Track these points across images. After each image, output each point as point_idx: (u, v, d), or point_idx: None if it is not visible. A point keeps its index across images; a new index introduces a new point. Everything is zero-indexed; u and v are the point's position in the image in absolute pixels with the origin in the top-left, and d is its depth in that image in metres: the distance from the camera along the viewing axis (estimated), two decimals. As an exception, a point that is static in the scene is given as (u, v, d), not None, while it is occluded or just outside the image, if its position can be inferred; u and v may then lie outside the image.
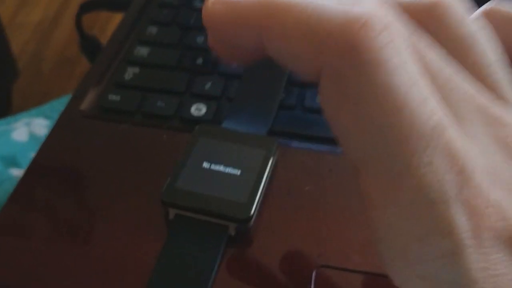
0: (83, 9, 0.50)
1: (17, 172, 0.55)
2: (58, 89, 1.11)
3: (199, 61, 0.42)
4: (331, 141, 0.35)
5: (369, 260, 0.29)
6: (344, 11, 0.17)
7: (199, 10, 0.46)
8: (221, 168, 0.31)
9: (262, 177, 0.31)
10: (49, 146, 0.36)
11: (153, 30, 0.44)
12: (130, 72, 0.40)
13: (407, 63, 0.16)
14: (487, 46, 0.19)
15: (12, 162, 0.57)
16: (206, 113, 0.38)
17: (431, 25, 0.19)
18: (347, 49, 0.16)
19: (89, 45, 0.53)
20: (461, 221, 0.16)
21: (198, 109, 0.38)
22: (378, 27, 0.16)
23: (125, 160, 0.35)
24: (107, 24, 1.17)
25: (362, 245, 0.30)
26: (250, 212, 0.29)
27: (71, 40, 1.26)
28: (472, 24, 0.19)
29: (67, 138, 0.36)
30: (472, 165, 0.16)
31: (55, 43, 1.23)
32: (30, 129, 0.62)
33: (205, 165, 0.32)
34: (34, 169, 0.35)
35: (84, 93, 0.39)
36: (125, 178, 0.34)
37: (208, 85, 0.39)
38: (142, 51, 0.42)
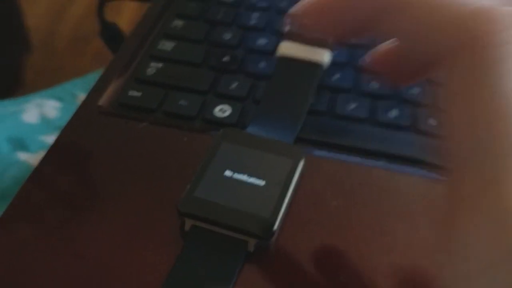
0: (106, -3, 0.48)
1: (25, 156, 0.53)
2: (71, 66, 1.10)
3: (226, 58, 0.39)
4: (362, 152, 0.33)
5: (395, 284, 0.27)
6: (475, 2, 0.17)
7: (227, 5, 0.44)
8: (244, 177, 0.29)
9: (288, 190, 0.29)
10: (61, 143, 0.34)
11: (179, 23, 0.42)
12: (153, 67, 0.38)
13: None
14: None
15: (21, 144, 0.56)
16: (230, 115, 0.35)
17: None
18: (471, 44, 0.16)
19: (110, 33, 0.51)
20: None
21: (222, 111, 0.36)
22: (503, 23, 0.16)
23: (142, 162, 0.33)
24: (120, 12, 1.15)
25: (389, 269, 0.28)
26: (272, 228, 0.27)
27: (85, 17, 1.25)
28: None
29: (81, 135, 0.35)
30: None
31: (69, 20, 1.22)
32: (41, 111, 0.61)
33: (227, 173, 0.30)
34: (45, 166, 0.33)
35: (103, 87, 0.37)
36: (140, 181, 0.32)
37: (234, 85, 0.37)
38: (167, 45, 0.40)
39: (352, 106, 0.35)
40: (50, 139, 0.57)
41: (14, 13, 0.89)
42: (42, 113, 0.60)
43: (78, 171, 0.33)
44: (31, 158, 0.53)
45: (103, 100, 0.37)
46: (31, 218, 0.30)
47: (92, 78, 0.66)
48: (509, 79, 0.15)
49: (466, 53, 0.16)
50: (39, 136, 0.57)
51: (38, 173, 0.33)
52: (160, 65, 0.39)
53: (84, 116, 0.36)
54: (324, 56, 0.34)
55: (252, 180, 0.29)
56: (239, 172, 0.30)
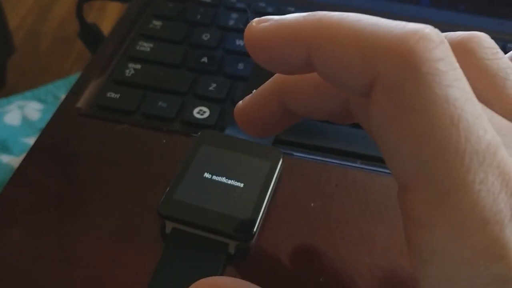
0: (85, -3, 0.48)
1: (7, 159, 0.53)
2: (55, 67, 1.08)
3: (204, 59, 0.40)
4: (340, 152, 0.34)
5: (374, 284, 0.28)
6: (399, 25, 0.17)
7: (206, 5, 0.44)
8: (223, 179, 0.30)
9: (267, 192, 0.29)
10: (41, 145, 0.34)
11: (157, 24, 0.42)
12: (131, 68, 0.39)
13: (462, 78, 0.16)
14: None
15: (3, 146, 0.55)
16: (209, 116, 0.36)
17: (463, 59, 0.18)
18: (405, 59, 0.16)
19: (89, 33, 0.51)
20: None
21: (201, 112, 0.36)
22: (436, 40, 0.16)
23: (121, 164, 0.33)
24: (103, 12, 1.14)
25: (369, 269, 0.28)
26: (252, 230, 0.27)
27: (69, 17, 1.23)
28: (504, 57, 0.19)
29: (61, 137, 0.34)
30: None
31: (53, 20, 1.21)
32: (23, 112, 0.60)
33: (207, 175, 0.30)
34: (25, 168, 0.33)
35: (82, 89, 0.37)
36: (120, 183, 0.32)
37: (212, 87, 0.37)
38: (145, 46, 0.40)
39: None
40: (32, 141, 0.56)
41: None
42: (24, 115, 0.60)
43: (58, 174, 0.32)
44: (14, 161, 0.52)
45: (81, 102, 0.37)
46: (13, 220, 0.30)
47: (74, 80, 0.66)
48: (456, 85, 0.16)
49: (402, 73, 0.16)
50: (22, 138, 0.56)
51: (19, 175, 0.32)
52: (138, 66, 0.39)
53: (63, 118, 0.36)
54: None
55: (231, 182, 0.29)
56: (218, 174, 0.30)
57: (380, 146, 0.18)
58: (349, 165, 0.33)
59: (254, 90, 0.24)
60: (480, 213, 0.15)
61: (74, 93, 0.37)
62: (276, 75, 0.23)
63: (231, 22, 0.43)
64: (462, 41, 0.19)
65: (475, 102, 0.16)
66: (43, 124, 0.58)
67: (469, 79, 0.18)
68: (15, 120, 0.59)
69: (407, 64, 0.16)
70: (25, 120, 0.59)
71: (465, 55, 0.19)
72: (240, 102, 0.24)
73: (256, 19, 0.20)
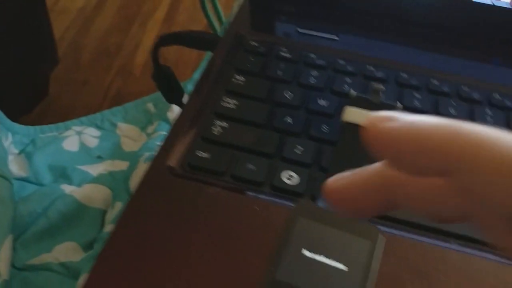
0: (162, 42, 0.49)
1: (69, 189, 0.54)
2: (95, 80, 1.10)
3: (288, 119, 0.40)
4: (436, 231, 0.34)
5: None
6: None
7: (286, 60, 0.45)
8: (324, 259, 0.30)
9: (369, 275, 0.30)
10: (136, 206, 0.35)
11: (240, 79, 0.43)
12: (218, 126, 0.39)
13: None
14: None
15: (62, 174, 0.56)
16: (298, 184, 0.36)
17: None
18: None
19: (162, 75, 0.52)
20: None
21: (290, 178, 0.36)
22: None
23: (214, 230, 0.33)
24: (144, 27, 1.15)
25: None
26: (357, 317, 0.28)
27: (111, 30, 1.25)
28: None
29: (153, 200, 0.35)
30: None
31: (95, 32, 1.23)
32: (80, 138, 0.61)
33: (307, 253, 0.30)
34: (119, 232, 0.34)
35: (171, 146, 0.38)
36: (213, 250, 0.32)
37: (298, 149, 0.38)
38: (230, 103, 0.41)
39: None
40: (90, 169, 0.57)
41: (44, 26, 0.89)
42: (82, 141, 0.61)
43: (152, 238, 0.33)
44: (76, 192, 0.53)
45: (172, 160, 0.37)
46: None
47: (131, 107, 0.67)
48: None
49: None
50: (80, 166, 0.58)
51: (114, 242, 0.33)
52: (224, 124, 0.40)
53: (155, 177, 0.36)
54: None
55: (332, 262, 0.30)
56: (319, 252, 0.30)
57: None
58: (446, 246, 0.33)
59: (351, 172, 0.23)
60: None
61: (165, 149, 0.38)
62: (383, 166, 0.22)
63: (312, 80, 0.43)
64: None
65: None
66: (100, 152, 0.60)
67: None
68: (73, 146, 0.60)
69: None
70: (83, 147, 0.60)
71: None
72: (333, 182, 0.23)
73: (376, 115, 0.19)
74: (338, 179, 0.23)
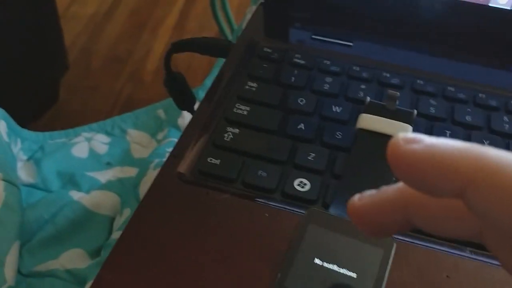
0: (175, 48, 0.48)
1: (78, 196, 0.53)
2: (106, 86, 1.10)
3: (301, 126, 0.39)
4: (454, 240, 0.33)
5: None
6: None
7: (299, 66, 0.44)
8: (335, 267, 0.29)
9: (381, 284, 0.29)
10: (142, 214, 0.34)
11: (252, 85, 0.42)
12: (230, 133, 0.39)
13: None
14: None
15: (71, 180, 0.55)
16: (310, 190, 0.35)
17: None
18: None
19: (174, 82, 0.51)
20: None
21: (302, 185, 0.36)
22: None
23: (223, 238, 0.33)
24: (155, 34, 1.15)
25: None
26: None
27: (122, 36, 1.25)
28: None
29: (162, 206, 0.35)
30: None
31: (106, 39, 1.23)
32: (90, 145, 0.61)
33: (317, 261, 0.30)
34: (127, 239, 0.33)
35: (182, 152, 0.37)
36: (224, 259, 0.32)
37: (311, 156, 0.37)
38: (242, 109, 0.40)
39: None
40: (99, 175, 0.57)
41: (55, 32, 0.89)
42: (92, 148, 0.60)
43: (159, 244, 0.33)
44: (84, 199, 0.53)
45: (182, 166, 0.37)
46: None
47: (141, 113, 0.66)
48: None
49: None
50: (89, 172, 0.57)
51: (121, 245, 0.33)
52: (236, 130, 0.39)
53: (165, 183, 0.36)
54: (406, 131, 0.34)
55: (343, 271, 0.29)
56: (329, 261, 0.30)
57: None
58: (459, 254, 0.32)
59: (374, 192, 0.23)
60: None
61: (175, 156, 0.37)
62: (402, 185, 0.22)
63: (326, 87, 0.43)
64: None
65: None
66: (110, 158, 0.59)
67: None
68: (83, 152, 0.59)
69: None
70: (92, 153, 0.60)
71: None
72: (357, 200, 0.23)
73: (403, 136, 0.19)
74: (362, 198, 0.23)
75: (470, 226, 0.21)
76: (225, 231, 0.33)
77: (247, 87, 0.42)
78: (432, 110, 0.41)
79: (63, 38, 0.92)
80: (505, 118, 0.40)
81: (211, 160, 0.37)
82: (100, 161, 0.59)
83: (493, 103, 0.42)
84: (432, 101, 0.42)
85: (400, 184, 0.22)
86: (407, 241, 0.33)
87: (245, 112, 0.40)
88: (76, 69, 1.15)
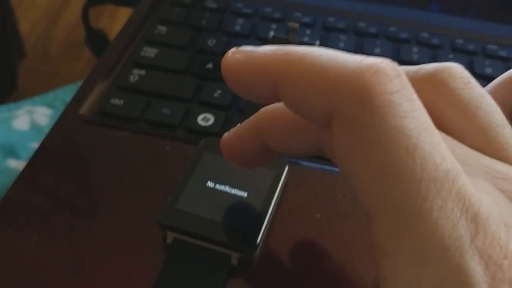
0: (91, 2, 0.47)
1: (15, 164, 0.53)
2: (64, 72, 1.09)
3: (209, 65, 0.39)
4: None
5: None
6: (357, 59, 0.17)
7: (212, 10, 0.44)
8: (226, 188, 0.29)
9: (271, 202, 0.28)
10: (44, 151, 0.33)
11: (162, 29, 0.42)
12: (136, 75, 0.38)
13: (419, 109, 0.16)
14: (494, 108, 0.19)
15: (11, 151, 0.55)
16: (213, 123, 0.35)
17: (435, 90, 0.19)
18: (360, 93, 0.16)
19: (95, 39, 0.50)
20: (477, 270, 0.15)
21: (206, 119, 0.35)
22: (391, 74, 0.16)
23: (123, 172, 0.32)
24: (114, 17, 1.14)
25: (374, 282, 0.27)
26: (255, 242, 0.27)
27: (79, 22, 1.24)
28: (478, 87, 0.20)
29: (63, 144, 0.34)
30: (487, 213, 0.15)
31: (63, 25, 1.21)
32: (31, 117, 0.60)
33: (209, 184, 0.29)
34: (26, 175, 0.32)
35: (85, 95, 0.37)
36: (122, 192, 0.31)
37: (217, 93, 0.37)
38: (150, 52, 0.40)
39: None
40: (40, 146, 0.56)
41: (8, 18, 0.88)
42: (33, 120, 0.60)
43: (60, 180, 0.32)
44: (21, 166, 0.52)
45: (85, 109, 0.36)
46: (15, 223, 0.30)
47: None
48: (412, 116, 0.16)
49: (356, 107, 0.16)
50: (30, 143, 0.56)
51: (22, 179, 0.32)
52: (142, 72, 0.38)
53: (66, 124, 0.35)
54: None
55: (235, 191, 0.29)
56: (221, 183, 0.29)
57: (346, 178, 0.18)
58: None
59: (239, 124, 0.24)
60: (439, 240, 0.15)
61: (78, 99, 0.37)
62: (257, 113, 0.23)
63: (238, 28, 0.42)
64: (434, 72, 0.20)
65: (433, 132, 0.16)
66: (51, 129, 0.58)
67: (440, 109, 0.19)
68: (23, 125, 0.59)
69: (361, 98, 0.16)
70: (34, 125, 0.59)
71: (437, 86, 0.20)
72: (226, 134, 0.25)
73: (233, 49, 0.20)
74: (229, 131, 0.25)
75: (312, 138, 0.22)
76: (123, 165, 0.33)
77: (156, 31, 0.42)
78: (341, 44, 0.41)
79: (18, 26, 0.91)
80: (414, 49, 0.40)
81: (114, 101, 0.36)
82: (41, 133, 0.59)
83: (404, 35, 0.42)
84: (342, 37, 0.41)
85: (255, 114, 0.23)
86: (304, 165, 0.33)
87: (152, 55, 0.40)
88: (34, 56, 1.14)
